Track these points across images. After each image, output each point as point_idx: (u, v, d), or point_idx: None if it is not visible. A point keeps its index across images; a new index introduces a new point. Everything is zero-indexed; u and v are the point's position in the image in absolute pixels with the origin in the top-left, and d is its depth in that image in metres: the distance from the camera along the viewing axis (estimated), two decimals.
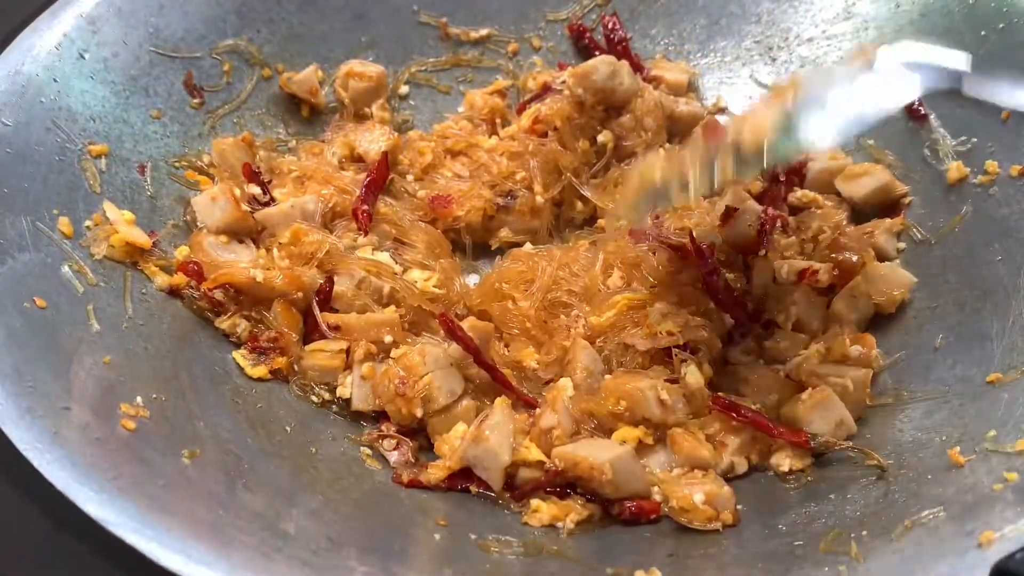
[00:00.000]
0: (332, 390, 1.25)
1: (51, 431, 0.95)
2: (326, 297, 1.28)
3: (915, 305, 1.35)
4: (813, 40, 1.61)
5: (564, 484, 1.17)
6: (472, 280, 1.45)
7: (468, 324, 1.26)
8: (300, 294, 1.27)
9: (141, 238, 1.24)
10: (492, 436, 1.14)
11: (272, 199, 1.39)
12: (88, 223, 1.22)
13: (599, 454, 1.13)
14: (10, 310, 1.06)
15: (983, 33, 1.41)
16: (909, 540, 0.98)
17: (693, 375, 1.21)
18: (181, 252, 1.30)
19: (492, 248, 1.50)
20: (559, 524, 1.13)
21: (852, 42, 1.57)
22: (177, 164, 1.38)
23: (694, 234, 1.30)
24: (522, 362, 1.29)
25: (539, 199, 1.48)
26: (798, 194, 1.46)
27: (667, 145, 1.53)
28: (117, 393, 1.06)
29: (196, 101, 1.44)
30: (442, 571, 0.99)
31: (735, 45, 1.66)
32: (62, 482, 0.91)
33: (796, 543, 1.05)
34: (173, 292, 1.25)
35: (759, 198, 1.42)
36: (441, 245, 1.43)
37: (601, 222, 1.48)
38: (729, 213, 1.35)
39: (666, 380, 1.23)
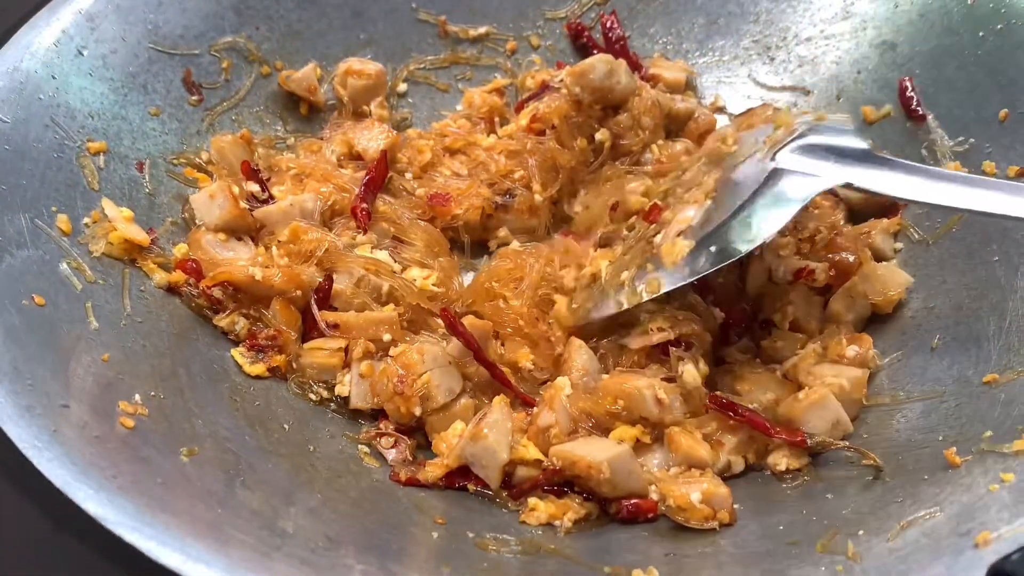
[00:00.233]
0: (330, 388, 1.25)
1: (50, 429, 0.95)
2: (325, 295, 1.28)
3: (912, 305, 1.36)
4: (812, 40, 1.61)
5: (562, 483, 1.17)
6: (470, 279, 1.45)
7: (467, 323, 1.27)
8: (299, 292, 1.27)
9: (139, 235, 1.24)
10: (490, 434, 1.15)
11: (271, 197, 1.39)
12: (86, 220, 1.23)
13: (597, 453, 1.13)
14: (8, 308, 1.06)
15: (981, 34, 1.42)
16: (905, 540, 0.98)
17: (690, 373, 1.22)
18: (180, 250, 1.30)
19: (490, 246, 1.50)
20: (557, 523, 1.14)
21: (851, 42, 1.57)
22: (176, 161, 1.38)
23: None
24: (518, 362, 1.29)
25: (537, 197, 1.48)
26: None
27: (663, 142, 1.53)
28: (116, 391, 1.06)
29: (195, 98, 1.44)
30: (440, 569, 1.00)
31: (733, 44, 1.67)
32: (61, 480, 0.91)
33: (793, 542, 1.06)
34: (171, 290, 1.25)
35: None
36: (440, 243, 1.43)
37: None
38: None
39: (663, 379, 1.23)
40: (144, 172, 1.34)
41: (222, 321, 1.26)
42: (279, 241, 1.32)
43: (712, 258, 1.21)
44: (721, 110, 1.65)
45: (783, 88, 1.63)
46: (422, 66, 1.65)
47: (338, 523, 1.03)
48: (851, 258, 1.36)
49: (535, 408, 1.23)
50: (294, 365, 1.26)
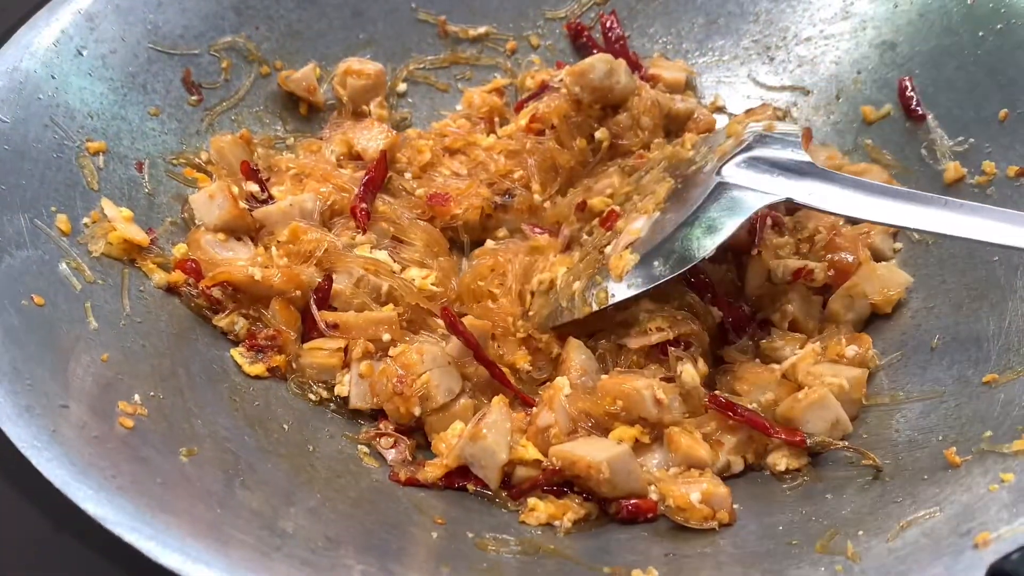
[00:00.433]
0: (330, 388, 1.25)
1: (49, 429, 0.95)
2: (324, 295, 1.28)
3: (912, 305, 1.36)
4: (811, 40, 1.61)
5: (561, 483, 1.17)
6: None
7: (466, 323, 1.26)
8: (298, 292, 1.27)
9: (139, 235, 1.24)
10: (489, 434, 1.14)
11: (270, 197, 1.39)
12: (86, 220, 1.22)
13: (596, 453, 1.13)
14: (8, 308, 1.06)
15: (981, 34, 1.42)
16: (905, 540, 0.98)
17: (689, 372, 1.22)
18: (179, 250, 1.30)
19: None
20: (556, 523, 1.14)
21: (851, 41, 1.57)
22: (175, 161, 1.38)
23: None
24: (516, 363, 1.29)
25: (536, 197, 1.48)
26: None
27: (661, 140, 1.54)
28: (115, 391, 1.06)
29: (194, 98, 1.44)
30: (439, 569, 1.00)
31: (733, 44, 1.67)
32: (60, 480, 0.91)
33: (792, 543, 1.06)
34: (171, 290, 1.25)
35: None
36: (439, 243, 1.43)
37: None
38: None
39: (662, 379, 1.23)
40: (143, 172, 1.34)
41: (222, 321, 1.26)
42: (279, 241, 1.32)
43: (653, 273, 1.24)
44: (721, 110, 1.65)
45: (783, 88, 1.63)
46: (422, 66, 1.65)
47: (338, 523, 1.03)
48: (850, 258, 1.36)
49: (534, 408, 1.23)
50: (294, 365, 1.26)
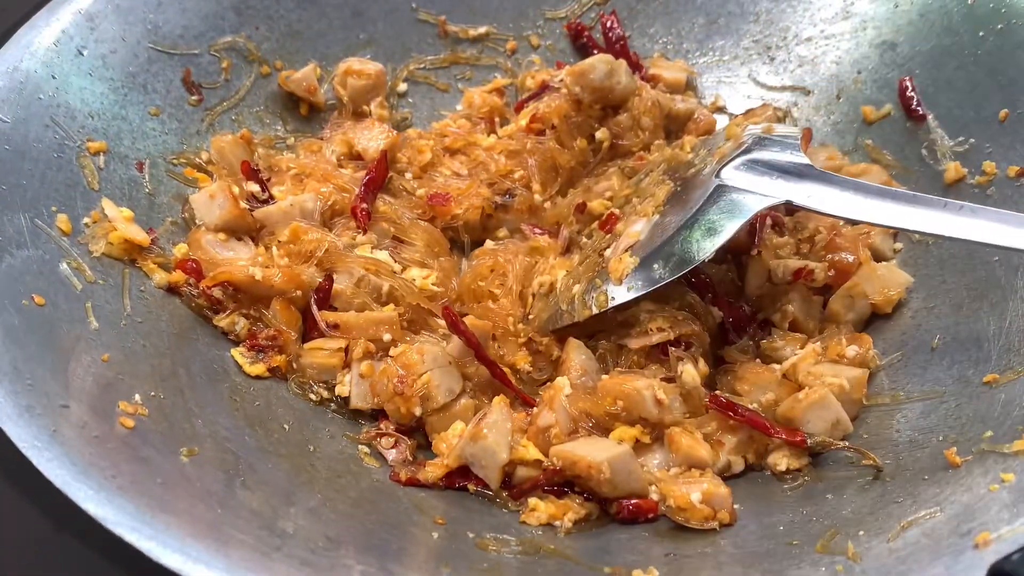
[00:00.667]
0: (330, 388, 1.25)
1: (50, 429, 0.95)
2: (325, 295, 1.28)
3: (912, 305, 1.36)
4: (812, 40, 1.61)
5: (562, 483, 1.17)
6: None
7: (468, 323, 1.26)
8: (299, 292, 1.27)
9: (139, 235, 1.24)
10: (490, 434, 1.14)
11: (271, 197, 1.39)
12: (86, 220, 1.22)
13: (597, 453, 1.13)
14: (8, 308, 1.06)
15: (981, 34, 1.42)
16: (905, 540, 0.98)
17: (689, 373, 1.22)
18: (180, 250, 1.30)
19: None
20: (557, 523, 1.14)
21: (851, 41, 1.57)
22: (175, 161, 1.38)
23: None
24: (516, 364, 1.29)
25: (537, 197, 1.48)
26: None
27: (662, 140, 1.54)
28: (116, 391, 1.06)
29: (194, 98, 1.44)
30: (440, 570, 1.00)
31: (734, 44, 1.67)
32: (61, 480, 0.91)
33: (793, 543, 1.06)
34: (171, 290, 1.25)
35: None
36: (440, 243, 1.43)
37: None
38: None
39: (662, 379, 1.23)
40: (144, 172, 1.34)
41: (222, 321, 1.26)
42: (279, 241, 1.32)
43: (652, 276, 1.24)
44: (721, 110, 1.65)
45: (783, 88, 1.63)
46: (422, 66, 1.65)
47: (338, 523, 1.03)
48: (850, 258, 1.36)
49: (535, 408, 1.23)
50: (294, 365, 1.26)
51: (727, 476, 1.20)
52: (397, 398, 1.20)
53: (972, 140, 1.40)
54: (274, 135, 1.52)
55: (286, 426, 1.18)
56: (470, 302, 1.36)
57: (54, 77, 1.27)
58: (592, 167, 1.54)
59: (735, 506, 1.14)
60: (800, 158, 1.26)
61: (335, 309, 1.29)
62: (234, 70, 1.49)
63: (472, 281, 1.38)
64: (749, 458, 1.22)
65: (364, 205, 1.39)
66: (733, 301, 1.33)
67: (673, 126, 1.59)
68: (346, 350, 1.25)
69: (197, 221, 1.33)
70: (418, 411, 1.21)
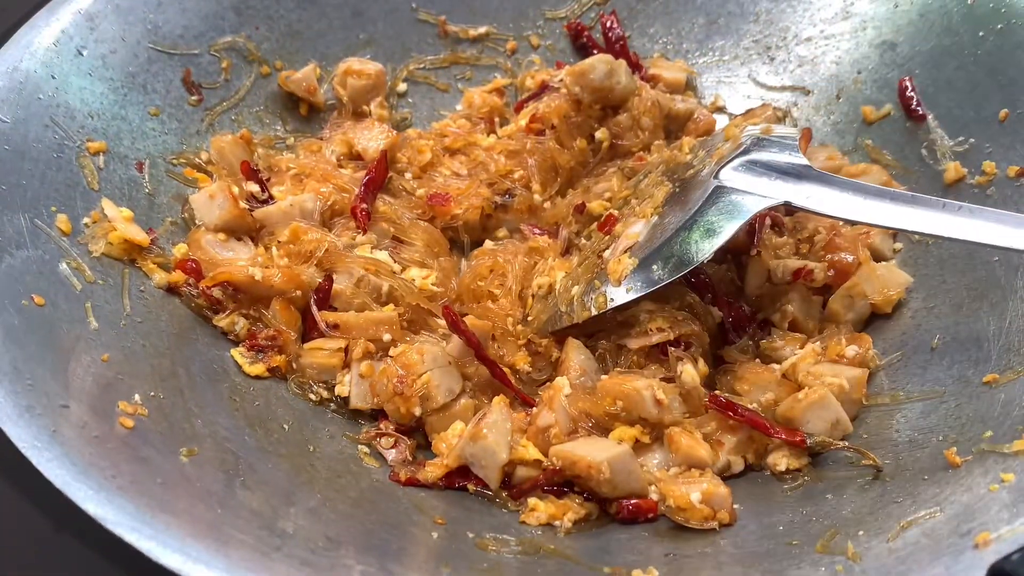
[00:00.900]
0: (330, 388, 1.25)
1: (50, 429, 0.95)
2: (325, 295, 1.28)
3: (912, 305, 1.36)
4: (812, 40, 1.61)
5: (561, 483, 1.17)
6: None
7: (468, 322, 1.26)
8: (299, 292, 1.27)
9: (139, 235, 1.24)
10: (490, 434, 1.14)
11: (271, 197, 1.39)
12: (86, 220, 1.22)
13: (597, 453, 1.13)
14: (8, 308, 1.06)
15: (981, 34, 1.42)
16: (905, 540, 0.98)
17: (689, 373, 1.22)
18: (179, 250, 1.30)
19: None
20: (556, 523, 1.14)
21: (851, 41, 1.57)
22: (175, 161, 1.38)
23: None
24: (516, 364, 1.29)
25: (537, 197, 1.48)
26: None
27: (662, 140, 1.54)
28: (115, 391, 1.06)
29: (194, 98, 1.44)
30: (439, 570, 1.00)
31: (733, 44, 1.67)
32: (61, 480, 0.91)
33: (792, 543, 1.06)
34: (171, 290, 1.25)
35: None
36: (440, 243, 1.43)
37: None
38: None
39: (662, 379, 1.23)
40: (144, 172, 1.34)
41: (222, 321, 1.26)
42: (279, 241, 1.32)
43: (652, 277, 1.24)
44: (721, 110, 1.65)
45: (783, 88, 1.63)
46: (422, 66, 1.65)
47: (338, 523, 1.03)
48: (850, 258, 1.36)
49: (535, 408, 1.23)
50: (294, 365, 1.26)
51: (727, 476, 1.20)
52: (397, 398, 1.20)
53: (972, 140, 1.40)
54: (274, 135, 1.52)
55: (286, 426, 1.18)
56: (469, 302, 1.36)
57: (54, 77, 1.27)
58: (592, 167, 1.54)
59: (735, 506, 1.14)
60: (799, 159, 1.26)
61: (335, 309, 1.29)
62: (234, 70, 1.49)
63: (471, 281, 1.38)
64: (749, 458, 1.22)
65: (364, 205, 1.39)
66: (733, 301, 1.34)
67: (673, 126, 1.59)
68: (346, 350, 1.26)
69: (197, 221, 1.33)
70: (418, 411, 1.21)
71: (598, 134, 1.52)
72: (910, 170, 1.46)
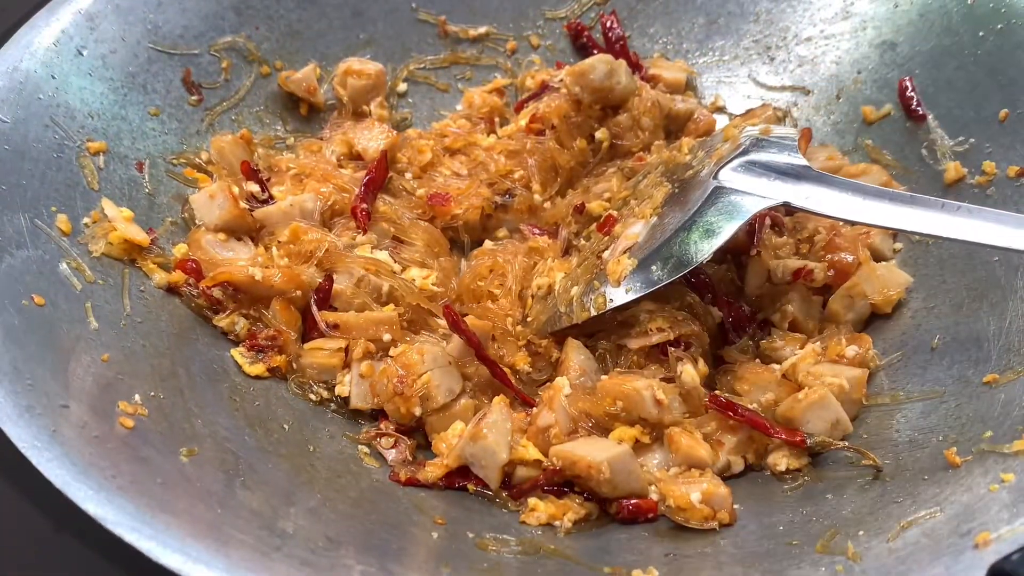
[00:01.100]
0: (330, 388, 1.25)
1: (50, 429, 0.95)
2: (325, 295, 1.28)
3: (912, 305, 1.36)
4: (812, 40, 1.61)
5: (562, 483, 1.17)
6: None
7: (468, 323, 1.26)
8: (299, 292, 1.27)
9: (139, 235, 1.24)
10: (490, 434, 1.14)
11: (271, 197, 1.39)
12: (86, 220, 1.22)
13: (597, 453, 1.13)
14: (8, 308, 1.06)
15: (981, 34, 1.42)
16: (905, 540, 0.98)
17: (689, 373, 1.22)
18: (179, 250, 1.30)
19: None
20: (556, 523, 1.14)
21: (851, 41, 1.57)
22: (175, 161, 1.38)
23: None
24: (516, 364, 1.29)
25: (537, 197, 1.48)
26: None
27: (662, 141, 1.54)
28: (115, 391, 1.06)
29: (194, 98, 1.44)
30: (439, 570, 1.00)
31: (733, 44, 1.67)
32: (61, 480, 0.91)
33: (792, 543, 1.06)
34: (171, 290, 1.25)
35: None
36: (440, 243, 1.43)
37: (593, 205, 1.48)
38: None
39: (662, 379, 1.23)
40: (144, 172, 1.34)
41: (222, 321, 1.26)
42: (279, 241, 1.32)
43: (651, 277, 1.24)
44: (721, 110, 1.65)
45: (783, 88, 1.63)
46: (422, 66, 1.65)
47: (338, 523, 1.03)
48: (850, 258, 1.36)
49: (535, 408, 1.23)
50: (294, 365, 1.26)
51: (727, 476, 1.20)
52: (397, 398, 1.20)
53: (972, 140, 1.40)
54: (274, 135, 1.52)
55: (286, 426, 1.18)
56: (469, 302, 1.36)
57: (54, 77, 1.27)
58: (592, 167, 1.54)
59: (735, 506, 1.14)
60: (798, 159, 1.26)
61: (335, 309, 1.29)
62: (234, 70, 1.49)
63: (471, 281, 1.38)
64: (749, 458, 1.22)
65: (364, 205, 1.39)
66: (733, 301, 1.34)
67: (673, 126, 1.59)
68: (346, 350, 1.25)
69: (197, 221, 1.33)
70: (418, 411, 1.21)
71: (598, 134, 1.52)
72: (910, 170, 1.46)
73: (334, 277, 1.30)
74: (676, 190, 1.32)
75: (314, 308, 1.27)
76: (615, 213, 1.40)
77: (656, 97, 1.53)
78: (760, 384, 1.26)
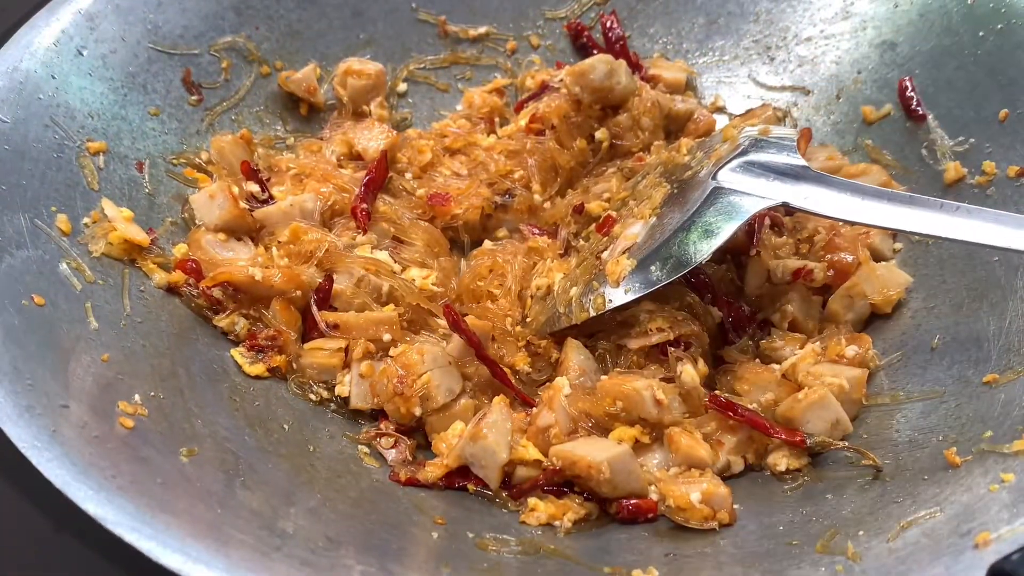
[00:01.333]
0: (330, 388, 1.25)
1: (50, 429, 0.95)
2: (325, 295, 1.28)
3: (912, 305, 1.36)
4: (812, 40, 1.61)
5: (561, 483, 1.17)
6: None
7: (468, 322, 1.26)
8: (299, 292, 1.27)
9: (139, 235, 1.24)
10: (490, 434, 1.14)
11: (271, 197, 1.39)
12: (86, 220, 1.22)
13: (597, 453, 1.13)
14: (8, 308, 1.06)
15: (981, 34, 1.42)
16: (905, 540, 0.98)
17: (688, 373, 1.22)
18: (179, 250, 1.30)
19: None
20: (556, 523, 1.14)
21: (851, 41, 1.57)
22: (175, 161, 1.38)
23: None
24: (515, 365, 1.29)
25: (537, 197, 1.48)
26: None
27: (661, 141, 1.54)
28: (115, 391, 1.06)
29: (194, 98, 1.44)
30: (440, 570, 1.00)
31: (733, 44, 1.67)
32: (61, 480, 0.91)
33: (792, 543, 1.06)
34: (171, 290, 1.25)
35: None
36: (440, 243, 1.43)
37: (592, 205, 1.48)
38: None
39: (662, 379, 1.23)
40: (144, 172, 1.34)
41: (222, 321, 1.26)
42: (279, 241, 1.32)
43: (650, 278, 1.24)
44: (721, 110, 1.65)
45: (783, 88, 1.63)
46: (422, 66, 1.65)
47: (338, 523, 1.03)
48: (850, 258, 1.37)
49: (535, 408, 1.23)
50: (294, 365, 1.26)
51: (727, 476, 1.20)
52: (397, 398, 1.20)
53: (972, 140, 1.40)
54: (274, 135, 1.52)
55: (286, 426, 1.18)
56: (469, 302, 1.36)
57: (54, 77, 1.27)
58: (592, 167, 1.54)
59: (735, 506, 1.14)
60: (797, 160, 1.26)
61: (335, 309, 1.29)
62: (234, 70, 1.49)
63: (471, 281, 1.38)
64: (749, 458, 1.22)
65: (364, 205, 1.39)
66: (733, 301, 1.34)
67: (673, 126, 1.59)
68: (346, 350, 1.25)
69: (197, 221, 1.33)
70: (418, 411, 1.21)
71: (598, 134, 1.52)
72: (910, 170, 1.46)
73: (334, 277, 1.30)
74: (675, 190, 1.32)
75: (314, 308, 1.27)
76: (614, 214, 1.40)
77: (656, 97, 1.53)
78: (760, 384, 1.26)
